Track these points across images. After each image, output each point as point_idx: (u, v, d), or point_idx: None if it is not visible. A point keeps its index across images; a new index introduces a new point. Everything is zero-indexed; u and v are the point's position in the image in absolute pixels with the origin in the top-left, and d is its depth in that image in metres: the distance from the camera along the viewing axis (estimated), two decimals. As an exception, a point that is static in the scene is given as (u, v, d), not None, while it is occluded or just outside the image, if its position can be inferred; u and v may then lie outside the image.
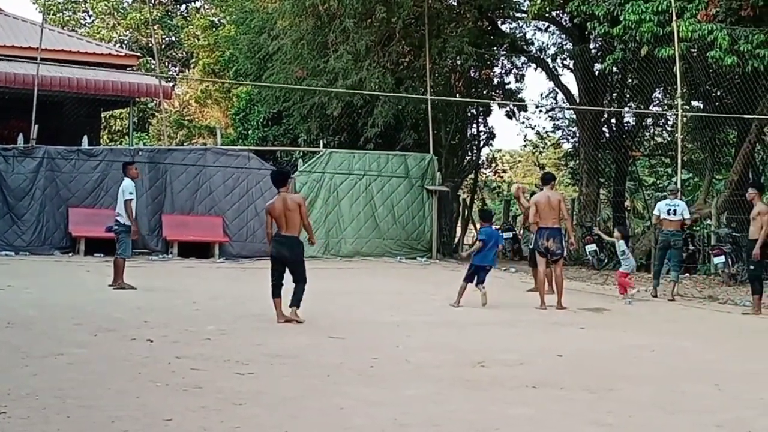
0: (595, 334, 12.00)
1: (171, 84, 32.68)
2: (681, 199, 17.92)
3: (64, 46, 26.50)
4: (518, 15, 29.58)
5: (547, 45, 30.91)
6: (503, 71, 31.59)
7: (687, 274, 21.04)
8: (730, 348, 11.33)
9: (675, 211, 17.03)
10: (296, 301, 11.79)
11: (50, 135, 22.46)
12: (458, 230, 31.11)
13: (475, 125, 31.89)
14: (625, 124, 29.47)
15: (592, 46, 27.06)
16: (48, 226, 21.22)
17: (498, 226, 28.64)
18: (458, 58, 26.70)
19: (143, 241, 21.68)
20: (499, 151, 40.43)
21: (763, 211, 14.57)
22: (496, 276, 19.15)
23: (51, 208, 21.27)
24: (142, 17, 42.31)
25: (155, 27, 40.67)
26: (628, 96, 28.80)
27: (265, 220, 12.22)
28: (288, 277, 11.85)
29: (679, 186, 19.25)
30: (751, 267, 14.92)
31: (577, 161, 29.96)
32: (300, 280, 11.82)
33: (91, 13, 47.18)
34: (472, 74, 29.77)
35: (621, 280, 16.00)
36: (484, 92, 31.59)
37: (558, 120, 34.32)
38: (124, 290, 14.60)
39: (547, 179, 15.39)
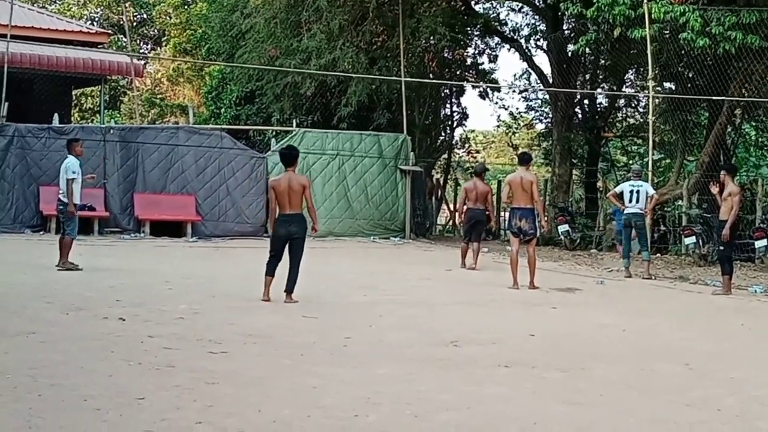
0: (567, 314, 12.06)
1: (143, 62, 32.40)
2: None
3: (35, 23, 26.23)
4: (492, -5, 29.59)
5: (521, 26, 30.99)
6: (477, 52, 31.66)
7: (658, 255, 21.19)
8: (700, 327, 11.42)
9: (638, 191, 17.18)
10: (292, 287, 11.69)
11: (20, 113, 22.27)
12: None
13: (448, 105, 31.93)
14: (598, 105, 29.58)
15: (565, 27, 27.12)
16: (18, 204, 21.05)
17: None
18: (432, 38, 26.66)
19: (115, 220, 21.62)
20: (473, 131, 40.54)
21: (734, 192, 14.64)
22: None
23: (21, 186, 21.10)
24: (113, -6, 41.94)
25: (126, 4, 40.37)
26: (600, 77, 28.91)
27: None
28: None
29: (649, 167, 19.37)
30: (722, 248, 15.02)
31: (550, 142, 30.06)
32: (298, 258, 11.68)
33: (62, -11, 46.70)
34: (446, 54, 29.77)
35: None
36: (458, 72, 31.61)
37: (531, 101, 34.42)
38: (71, 270, 14.10)
39: (524, 160, 15.25)
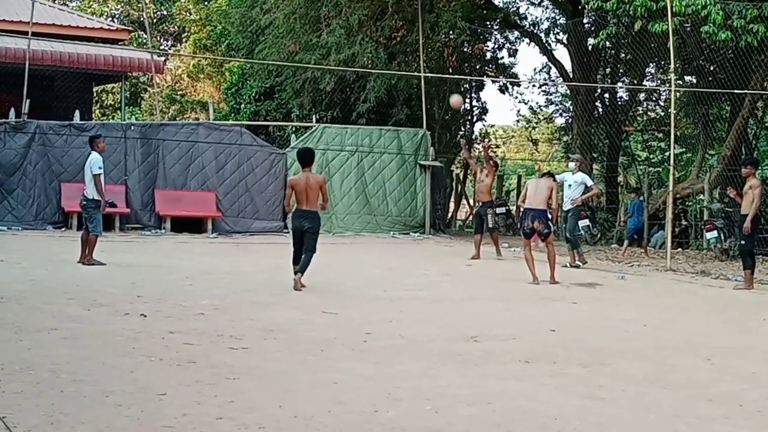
0: (587, 309, 12.03)
1: (163, 58, 32.47)
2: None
3: (56, 20, 26.35)
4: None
5: (541, 19, 30.96)
6: (496, 46, 31.58)
7: (680, 249, 21.11)
8: (722, 322, 11.37)
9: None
10: (303, 268, 12.50)
11: (42, 110, 22.36)
12: (451, 205, 31.16)
13: (468, 100, 31.85)
14: (619, 99, 29.45)
15: (585, 20, 27.01)
16: (40, 201, 21.15)
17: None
18: (451, 32, 26.59)
19: (136, 216, 21.71)
20: (492, 126, 40.47)
21: (755, 185, 14.59)
22: (488, 251, 19.15)
23: (43, 183, 21.20)
24: (133, -9, 42.06)
25: (147, 1, 40.44)
26: (621, 71, 28.76)
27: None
28: None
29: (671, 161, 19.34)
30: (743, 242, 14.96)
31: (571, 136, 29.97)
32: (310, 250, 12.58)
33: (82, -14, 46.89)
34: (465, 49, 29.69)
35: None
36: (477, 67, 31.53)
37: (551, 95, 34.32)
38: (93, 266, 14.19)
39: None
